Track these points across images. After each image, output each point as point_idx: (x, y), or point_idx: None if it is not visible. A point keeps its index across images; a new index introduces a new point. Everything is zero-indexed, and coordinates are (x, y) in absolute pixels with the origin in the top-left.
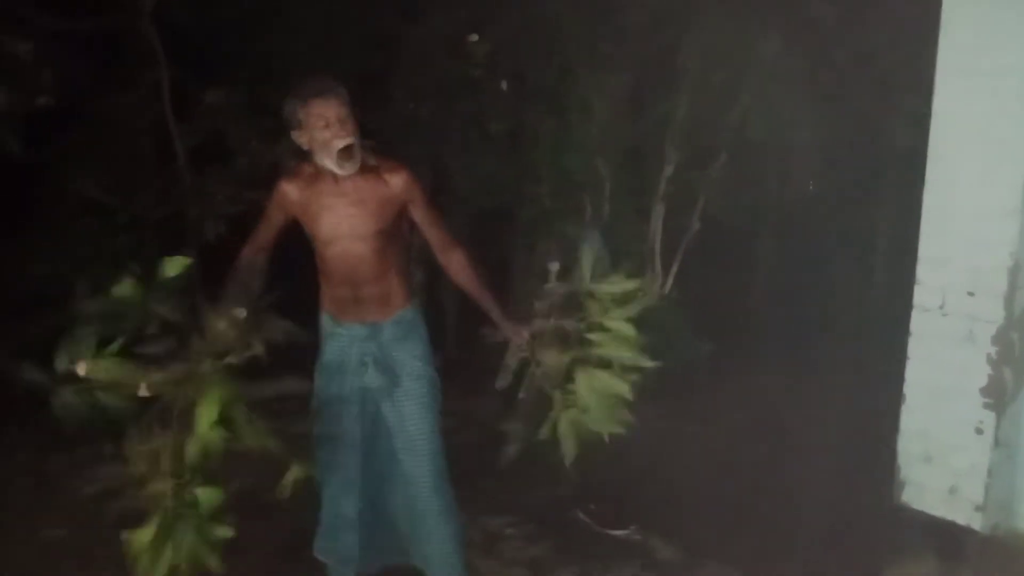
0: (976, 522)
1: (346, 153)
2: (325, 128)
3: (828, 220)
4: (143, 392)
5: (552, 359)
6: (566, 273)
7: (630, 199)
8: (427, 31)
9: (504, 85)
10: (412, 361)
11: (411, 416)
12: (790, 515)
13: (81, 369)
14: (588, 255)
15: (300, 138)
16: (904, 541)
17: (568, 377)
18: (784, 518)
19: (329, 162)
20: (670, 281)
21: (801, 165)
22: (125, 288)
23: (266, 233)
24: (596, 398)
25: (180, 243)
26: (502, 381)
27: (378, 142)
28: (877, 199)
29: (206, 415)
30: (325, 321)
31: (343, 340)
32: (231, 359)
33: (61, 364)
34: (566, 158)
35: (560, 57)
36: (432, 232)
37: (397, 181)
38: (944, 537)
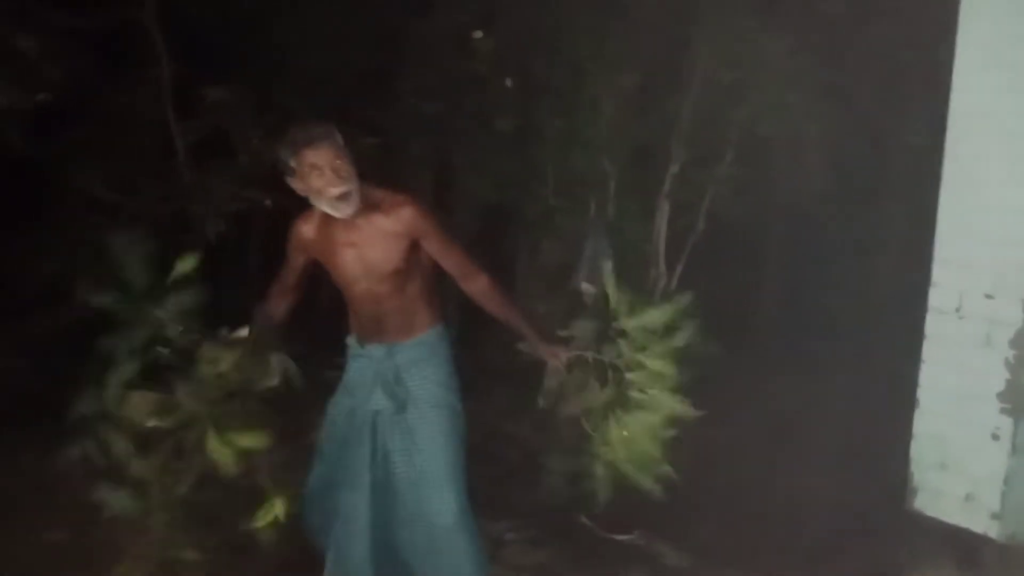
0: (993, 530)
1: (342, 199)
2: (319, 176)
3: (837, 219)
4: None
5: (590, 397)
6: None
7: (635, 198)
8: (433, 28)
9: (509, 82)
10: (431, 387)
11: (426, 445)
12: (800, 520)
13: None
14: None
15: (296, 184)
16: (918, 548)
17: (605, 417)
18: (794, 523)
19: (327, 208)
20: (675, 281)
21: (810, 163)
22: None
23: (290, 275)
24: (631, 448)
25: (182, 241)
26: (544, 399)
27: (384, 140)
28: (890, 198)
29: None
30: (350, 342)
31: (363, 361)
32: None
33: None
34: (572, 156)
35: (566, 54)
36: (450, 262)
37: (404, 216)
38: (960, 545)
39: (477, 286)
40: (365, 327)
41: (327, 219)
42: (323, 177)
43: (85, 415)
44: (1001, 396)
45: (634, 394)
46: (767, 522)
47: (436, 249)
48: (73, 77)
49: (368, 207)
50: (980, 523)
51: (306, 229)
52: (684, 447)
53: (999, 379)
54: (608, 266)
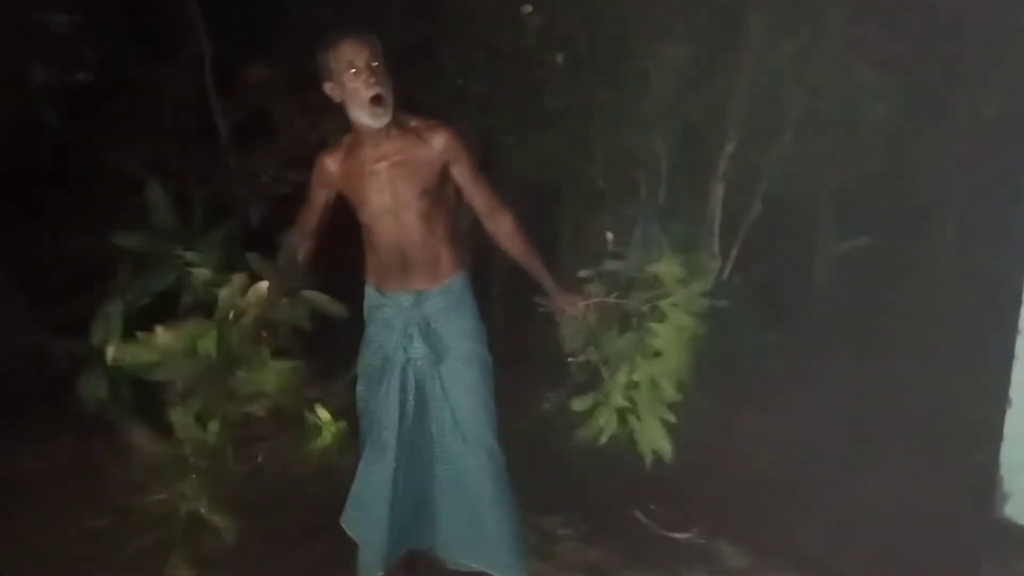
0: None
1: (377, 101)
2: (355, 75)
3: (906, 201)
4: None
5: (610, 341)
6: (622, 247)
7: (687, 179)
8: (478, 1)
9: (560, 58)
10: (460, 340)
11: (461, 401)
12: (874, 523)
13: (110, 352)
14: (649, 233)
15: (332, 91)
16: (1007, 560)
17: (623, 361)
18: (867, 526)
19: (361, 113)
20: (729, 266)
21: (874, 142)
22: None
23: (312, 214)
24: (646, 396)
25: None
26: (571, 355)
27: (426, 116)
28: (972, 178)
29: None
30: (369, 293)
31: (388, 311)
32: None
33: (96, 339)
34: (623, 134)
35: (618, 27)
36: (477, 195)
37: (438, 140)
38: None
39: (502, 224)
40: (387, 270)
41: (354, 148)
42: (359, 76)
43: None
44: None
45: (654, 342)
46: (836, 524)
47: (466, 179)
48: (108, 55)
49: (401, 130)
50: None
51: (331, 161)
52: (744, 440)
53: None
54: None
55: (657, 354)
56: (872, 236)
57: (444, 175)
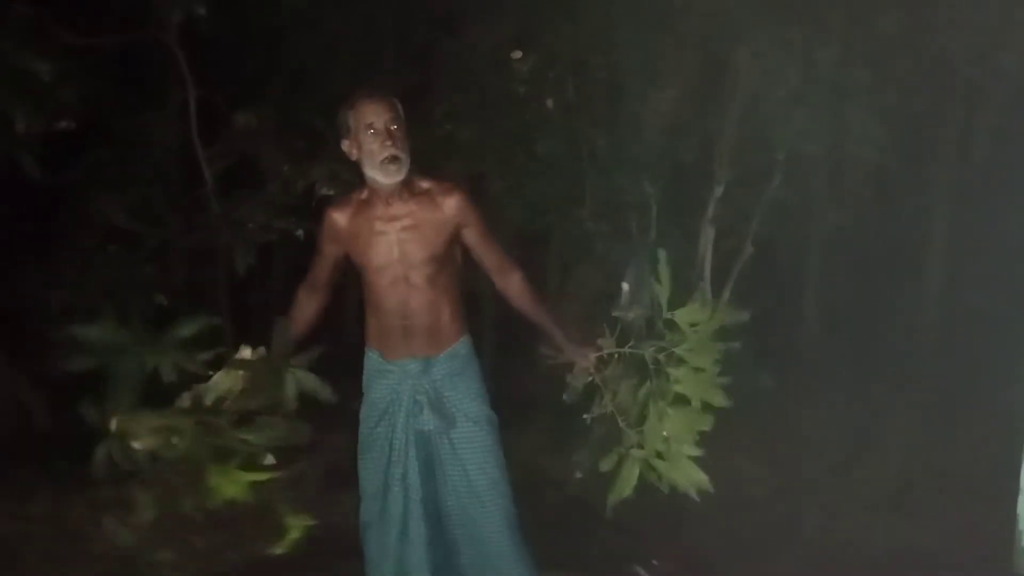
0: None
1: (391, 160)
2: (373, 135)
3: (900, 242)
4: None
5: (627, 391)
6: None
7: (678, 222)
8: (468, 46)
9: (550, 103)
10: (468, 402)
11: (474, 463)
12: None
13: (112, 424)
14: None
15: (349, 148)
16: None
17: (643, 412)
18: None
19: (374, 172)
20: None
21: (866, 183)
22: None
23: (321, 270)
24: (671, 443)
25: (210, 273)
26: (569, 397)
27: (417, 162)
28: (976, 215)
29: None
30: (370, 359)
31: (393, 377)
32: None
33: (91, 417)
34: (613, 177)
35: (608, 72)
36: (488, 256)
37: (451, 203)
38: None
39: (512, 282)
40: (390, 335)
41: (364, 206)
42: (377, 137)
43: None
44: None
45: (676, 388)
46: None
47: (477, 240)
48: (92, 101)
49: (413, 192)
50: None
51: (339, 216)
52: (746, 491)
53: None
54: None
55: (680, 399)
56: (862, 278)
57: (454, 238)
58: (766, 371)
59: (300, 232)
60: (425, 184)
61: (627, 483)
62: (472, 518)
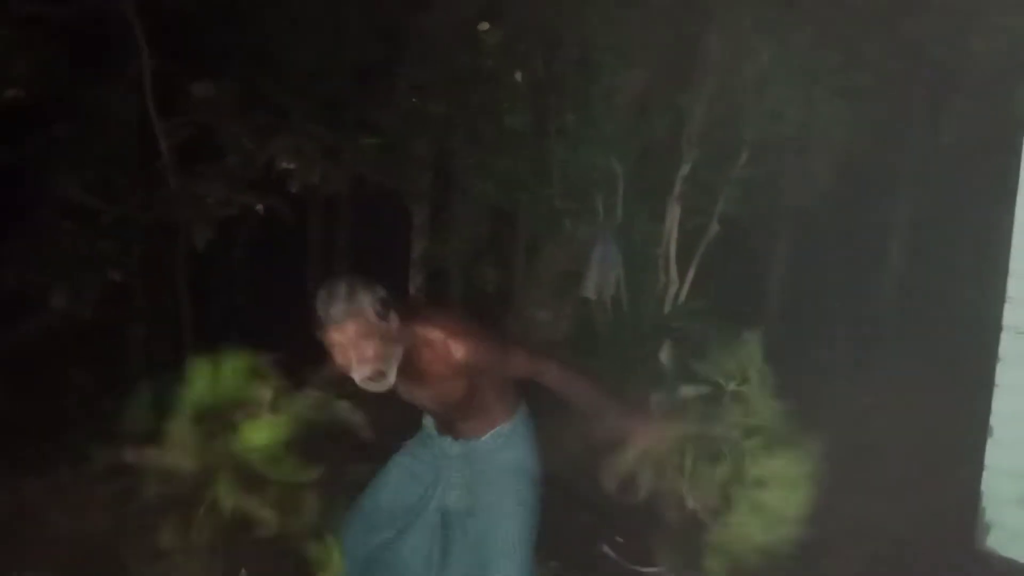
0: None
1: (369, 380)
2: (342, 355)
3: (866, 223)
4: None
5: (705, 478)
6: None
7: (644, 200)
8: (435, 19)
9: (519, 76)
10: (506, 461)
11: (491, 508)
12: (855, 556)
13: (128, 456)
14: (608, 253)
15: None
16: None
17: (724, 498)
18: (847, 559)
19: (359, 382)
20: (686, 288)
21: (831, 165)
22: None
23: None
24: (761, 525)
25: (168, 249)
26: (629, 494)
27: (383, 139)
28: (952, 204)
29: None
30: (426, 420)
31: (434, 448)
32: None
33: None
34: (581, 155)
35: (578, 48)
36: (514, 372)
37: (460, 354)
38: None
39: (551, 375)
40: (438, 420)
41: None
42: (345, 356)
43: None
44: None
45: (755, 470)
46: (814, 555)
47: (498, 367)
48: (45, 72)
49: (422, 339)
50: None
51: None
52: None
53: None
54: (617, 272)
55: (759, 483)
56: (827, 258)
57: (469, 377)
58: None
59: (260, 207)
60: (429, 332)
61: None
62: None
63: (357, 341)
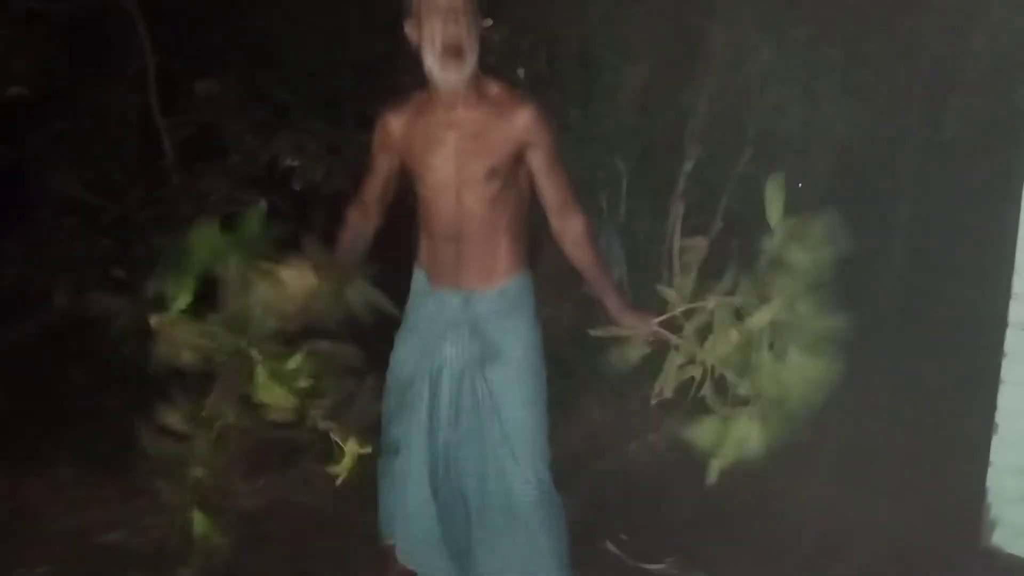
0: None
1: (452, 53)
2: (435, 18)
3: (867, 220)
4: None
5: (720, 342)
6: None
7: (647, 197)
8: None
9: (521, 73)
10: (513, 347)
11: (508, 411)
12: (858, 553)
13: (153, 322)
14: (612, 249)
15: (410, 31)
16: None
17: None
18: (851, 556)
19: (434, 65)
20: (690, 286)
21: (833, 161)
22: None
23: (372, 185)
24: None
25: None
26: (665, 391)
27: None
28: (957, 198)
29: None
30: (417, 279)
31: (432, 307)
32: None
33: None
34: (585, 151)
35: (580, 44)
36: (550, 187)
37: (520, 117)
38: None
39: (572, 225)
40: (439, 258)
41: (423, 109)
42: (439, 19)
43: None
44: None
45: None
46: (818, 553)
47: (542, 166)
48: (46, 70)
49: (479, 96)
50: None
51: (395, 121)
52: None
53: None
54: (620, 270)
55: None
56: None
57: (519, 157)
58: None
59: (263, 204)
60: (495, 89)
61: (743, 443)
62: (499, 473)
63: (456, 3)
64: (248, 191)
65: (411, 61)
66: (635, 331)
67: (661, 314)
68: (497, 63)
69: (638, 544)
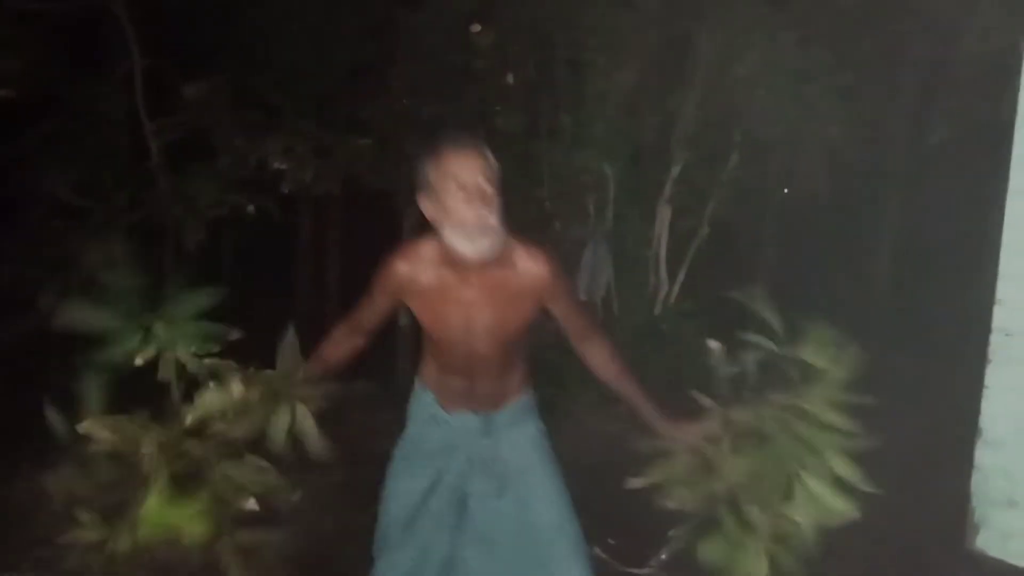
0: None
1: (480, 230)
2: (460, 194)
3: (855, 224)
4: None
5: (748, 467)
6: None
7: (635, 202)
8: (427, 20)
9: (510, 78)
10: (530, 445)
11: (544, 507)
12: (843, 556)
13: (82, 427)
14: (599, 256)
15: (427, 205)
16: None
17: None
18: (836, 559)
19: (458, 240)
20: (676, 289)
21: (820, 166)
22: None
23: (368, 317)
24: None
25: (158, 250)
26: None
27: (375, 139)
28: (943, 204)
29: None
30: (424, 401)
31: (446, 431)
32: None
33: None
34: (574, 156)
35: (569, 50)
36: (571, 322)
37: (538, 276)
38: None
39: (598, 349)
40: (450, 388)
41: (436, 261)
42: (464, 196)
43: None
44: None
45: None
46: (804, 556)
47: (562, 311)
48: (35, 71)
49: (499, 256)
50: None
51: (405, 269)
52: None
53: None
54: (608, 275)
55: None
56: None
57: (535, 310)
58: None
59: (251, 207)
60: (508, 243)
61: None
62: (543, 567)
63: (479, 178)
64: (236, 193)
65: (401, 65)
66: (677, 441)
67: (690, 417)
68: (486, 68)
69: (625, 549)
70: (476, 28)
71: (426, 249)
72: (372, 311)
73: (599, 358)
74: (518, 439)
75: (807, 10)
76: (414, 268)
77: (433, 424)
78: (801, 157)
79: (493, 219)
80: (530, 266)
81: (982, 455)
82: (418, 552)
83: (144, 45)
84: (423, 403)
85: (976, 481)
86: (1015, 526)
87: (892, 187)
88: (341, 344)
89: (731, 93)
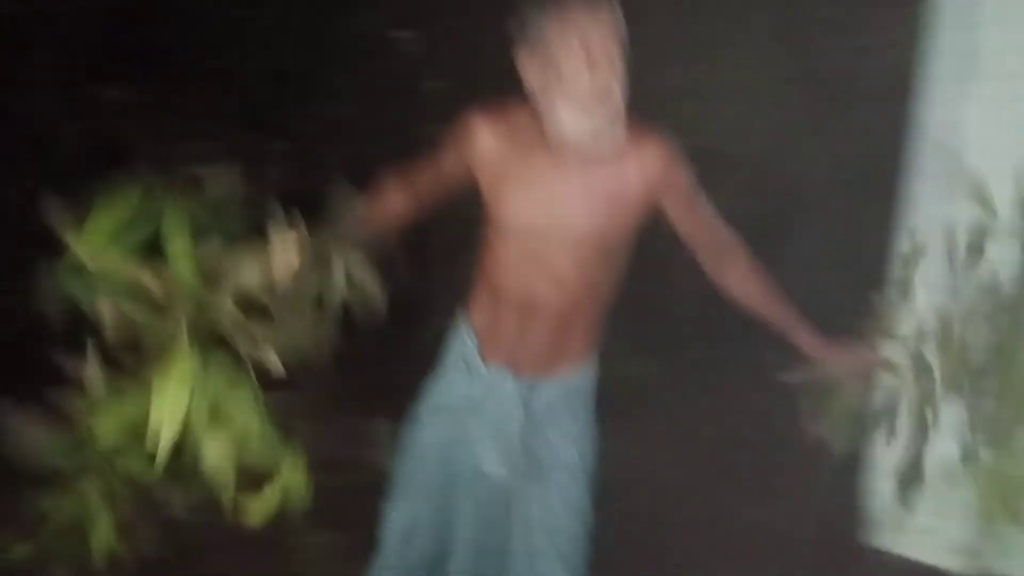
0: (960, 566)
1: (600, 99)
2: (581, 56)
3: (768, 234)
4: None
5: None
6: None
7: None
8: (352, 26)
9: (437, 86)
10: (567, 447)
11: (549, 521)
12: (741, 555)
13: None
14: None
15: (531, 67)
16: None
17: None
18: (734, 559)
19: (569, 114)
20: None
21: (743, 177)
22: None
23: (424, 179)
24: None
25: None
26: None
27: (295, 145)
28: (842, 214)
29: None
30: (463, 344)
31: (480, 386)
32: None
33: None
34: None
35: (501, 55)
36: (700, 232)
37: (653, 165)
38: None
39: (733, 264)
40: (498, 329)
41: (526, 130)
42: (588, 58)
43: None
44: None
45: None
46: (703, 558)
47: (683, 214)
48: None
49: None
50: (946, 559)
51: (486, 132)
52: (616, 475)
53: None
54: None
55: None
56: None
57: (643, 211)
58: (648, 354)
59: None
60: (642, 132)
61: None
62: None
63: (606, 42)
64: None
65: (325, 73)
66: (845, 369)
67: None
68: (412, 75)
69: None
70: (403, 35)
71: (520, 117)
72: (431, 173)
73: (736, 274)
74: (562, 426)
75: (726, 24)
76: (498, 132)
77: (464, 372)
78: (718, 168)
79: (618, 95)
80: (642, 151)
81: (875, 450)
82: (425, 513)
83: (60, 47)
84: (463, 346)
85: (869, 473)
86: (907, 519)
87: (807, 196)
88: (391, 196)
89: (657, 106)
